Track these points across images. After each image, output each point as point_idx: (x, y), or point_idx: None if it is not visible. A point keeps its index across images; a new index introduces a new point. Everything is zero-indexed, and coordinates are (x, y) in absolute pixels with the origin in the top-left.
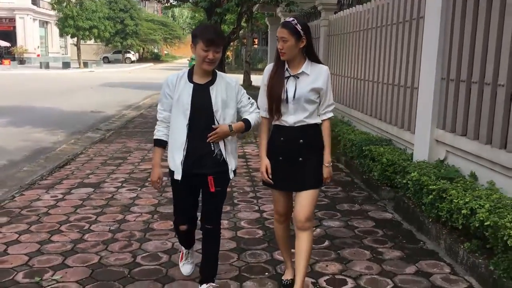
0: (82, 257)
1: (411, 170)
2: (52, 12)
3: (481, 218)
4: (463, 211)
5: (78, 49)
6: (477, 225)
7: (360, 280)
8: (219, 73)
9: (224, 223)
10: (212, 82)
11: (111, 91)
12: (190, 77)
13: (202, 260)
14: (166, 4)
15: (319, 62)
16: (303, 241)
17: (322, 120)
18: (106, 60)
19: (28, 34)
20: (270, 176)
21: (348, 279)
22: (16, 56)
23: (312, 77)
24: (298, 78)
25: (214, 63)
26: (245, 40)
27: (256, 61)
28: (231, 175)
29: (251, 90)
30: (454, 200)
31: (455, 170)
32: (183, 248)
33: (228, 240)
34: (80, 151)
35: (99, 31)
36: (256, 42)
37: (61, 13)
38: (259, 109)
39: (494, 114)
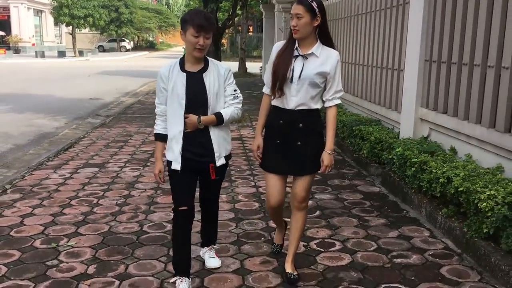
0: (93, 226)
1: (396, 146)
2: (47, 1)
3: (456, 185)
4: (440, 180)
5: (73, 37)
6: (452, 191)
7: (347, 243)
8: (210, 59)
9: (223, 197)
10: (205, 69)
11: (108, 79)
12: (182, 66)
13: (202, 226)
14: None
15: (331, 45)
16: (299, 218)
17: (328, 106)
18: (101, 49)
19: (23, 23)
20: (260, 155)
21: (336, 242)
22: (11, 45)
23: (321, 59)
24: (306, 58)
25: (204, 50)
26: (240, 28)
27: (251, 49)
28: (219, 162)
29: (246, 77)
30: (433, 171)
31: (437, 145)
32: (177, 278)
33: (227, 211)
34: (82, 135)
35: (94, 20)
36: (251, 30)
37: (56, 1)
38: (241, 106)
39: (470, 92)
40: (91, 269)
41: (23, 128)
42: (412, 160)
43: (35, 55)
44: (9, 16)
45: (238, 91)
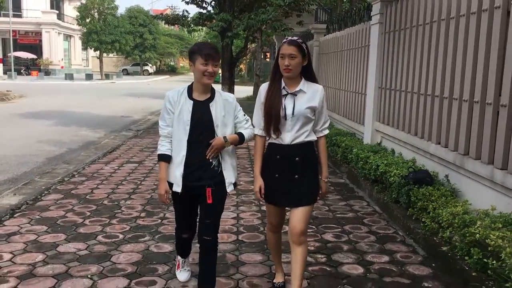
0: (140, 195)
1: (355, 148)
2: (76, 27)
3: (381, 169)
4: (373, 167)
5: (101, 61)
6: (378, 173)
7: None
8: (217, 90)
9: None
10: (211, 99)
11: (134, 100)
12: (189, 94)
13: (200, 273)
14: (188, 28)
15: (315, 81)
16: (298, 254)
17: (318, 137)
18: (125, 72)
19: (53, 47)
20: (263, 196)
21: None
22: (41, 67)
23: (309, 95)
24: (296, 95)
25: (213, 77)
26: (256, 55)
27: (267, 74)
28: (229, 189)
29: None
30: (371, 162)
31: (383, 148)
32: (179, 257)
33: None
34: (120, 143)
35: (121, 45)
36: (268, 56)
37: (85, 28)
38: (253, 126)
39: (401, 110)
40: (143, 215)
41: (71, 137)
42: (360, 156)
43: (65, 78)
44: (40, 40)
45: (246, 115)
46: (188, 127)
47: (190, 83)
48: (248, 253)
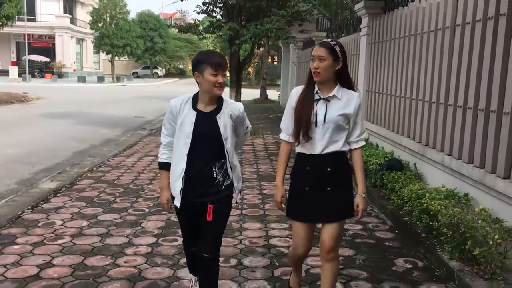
0: (158, 183)
1: None
2: (88, 30)
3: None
4: None
5: (112, 64)
6: None
7: None
8: (224, 99)
9: None
10: (218, 110)
11: (146, 102)
12: (194, 104)
13: None
14: (199, 36)
15: (351, 88)
16: (328, 270)
17: (353, 148)
18: (136, 75)
19: (66, 50)
20: (284, 206)
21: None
22: (54, 70)
23: (343, 101)
24: (328, 101)
25: (223, 87)
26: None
27: (275, 77)
28: (238, 197)
29: (266, 103)
30: None
31: (369, 143)
32: (191, 276)
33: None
34: (137, 140)
35: (132, 49)
36: (276, 59)
37: (98, 32)
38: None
39: (382, 109)
40: None
41: (92, 135)
42: None
43: (77, 80)
44: (53, 44)
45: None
46: (189, 140)
47: (196, 91)
48: (249, 223)
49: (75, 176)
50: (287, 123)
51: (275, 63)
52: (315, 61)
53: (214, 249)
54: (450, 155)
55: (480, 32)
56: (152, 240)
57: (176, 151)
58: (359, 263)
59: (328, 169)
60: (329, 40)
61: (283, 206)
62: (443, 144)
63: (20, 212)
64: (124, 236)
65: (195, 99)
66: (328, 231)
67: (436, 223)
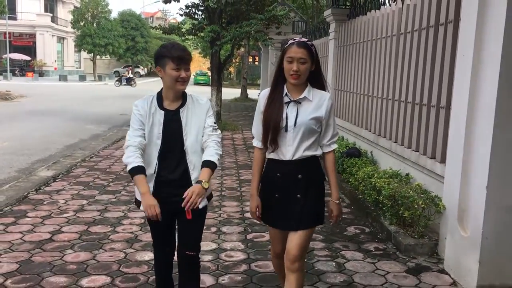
0: None
1: None
2: (69, 29)
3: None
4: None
5: (94, 63)
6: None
7: None
8: (189, 94)
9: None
10: (182, 105)
11: (130, 99)
12: (160, 103)
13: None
14: (182, 38)
15: (323, 88)
16: (292, 282)
17: (325, 152)
18: (117, 74)
19: (47, 49)
20: (260, 215)
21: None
22: (35, 69)
23: (315, 103)
24: (299, 103)
25: (187, 82)
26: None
27: (256, 77)
28: (201, 204)
29: (246, 102)
30: None
31: (340, 138)
32: None
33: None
34: (123, 135)
35: (114, 48)
36: (257, 59)
37: (79, 31)
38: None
39: (350, 106)
40: None
41: (80, 131)
42: None
43: (59, 79)
44: (34, 42)
45: (216, 125)
46: (159, 141)
47: (149, 96)
48: (228, 201)
49: (69, 166)
50: (258, 129)
51: (256, 63)
52: (294, 63)
53: (197, 246)
54: (396, 142)
55: (417, 40)
56: (144, 214)
57: (147, 152)
58: (316, 229)
59: (299, 175)
60: (305, 40)
61: (259, 216)
62: (391, 133)
63: (26, 193)
64: (120, 211)
65: (159, 97)
66: (293, 240)
67: (381, 197)
